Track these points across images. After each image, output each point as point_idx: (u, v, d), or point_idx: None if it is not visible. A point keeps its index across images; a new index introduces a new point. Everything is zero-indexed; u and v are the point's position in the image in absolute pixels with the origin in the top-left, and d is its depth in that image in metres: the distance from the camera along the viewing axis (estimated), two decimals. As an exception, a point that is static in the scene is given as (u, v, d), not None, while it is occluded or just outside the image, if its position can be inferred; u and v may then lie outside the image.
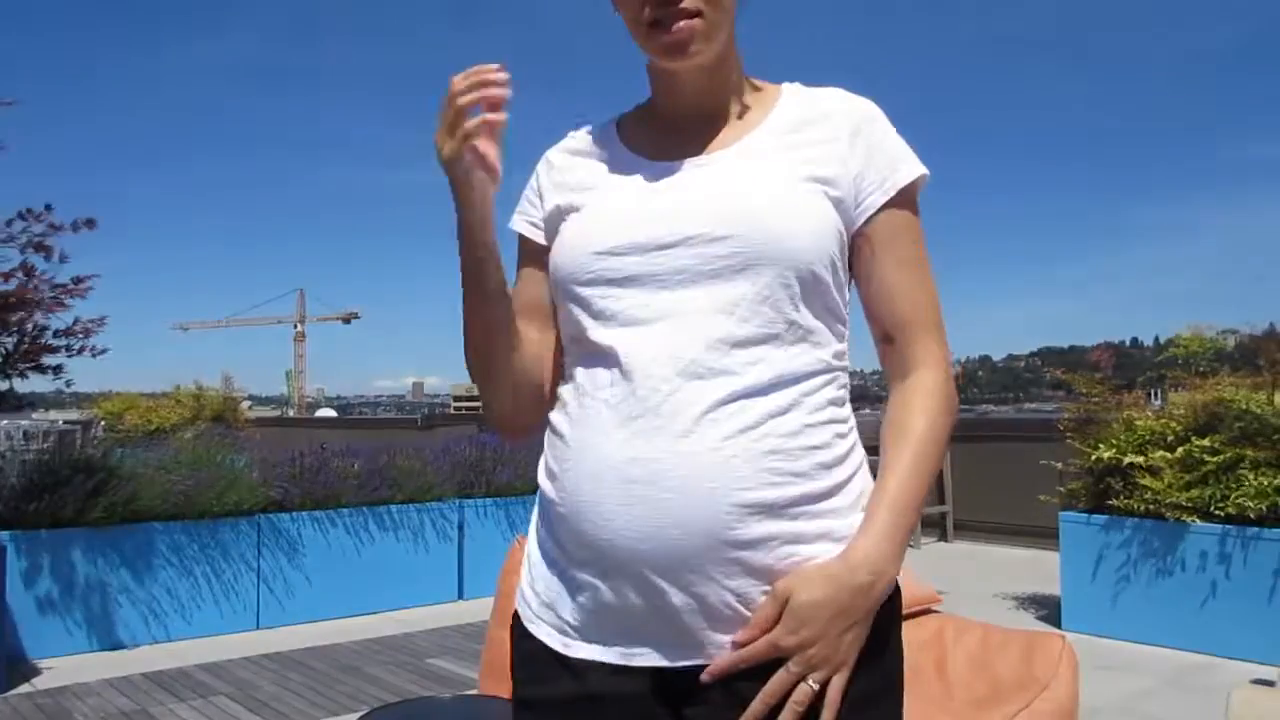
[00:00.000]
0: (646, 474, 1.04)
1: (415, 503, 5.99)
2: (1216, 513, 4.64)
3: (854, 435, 1.15)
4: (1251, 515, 4.53)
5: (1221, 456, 4.70)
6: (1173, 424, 5.01)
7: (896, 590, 1.10)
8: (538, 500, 1.20)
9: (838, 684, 1.03)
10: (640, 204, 1.15)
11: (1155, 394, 6.16)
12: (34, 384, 5.11)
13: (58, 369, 4.95)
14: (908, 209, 1.18)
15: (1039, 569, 6.42)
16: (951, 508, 8.26)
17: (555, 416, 1.18)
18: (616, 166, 1.21)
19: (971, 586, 6.15)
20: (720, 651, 1.05)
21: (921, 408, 1.15)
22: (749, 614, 1.04)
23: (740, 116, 1.20)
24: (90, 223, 4.83)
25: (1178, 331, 5.82)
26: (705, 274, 1.08)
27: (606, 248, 1.12)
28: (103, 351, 5.06)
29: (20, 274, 4.68)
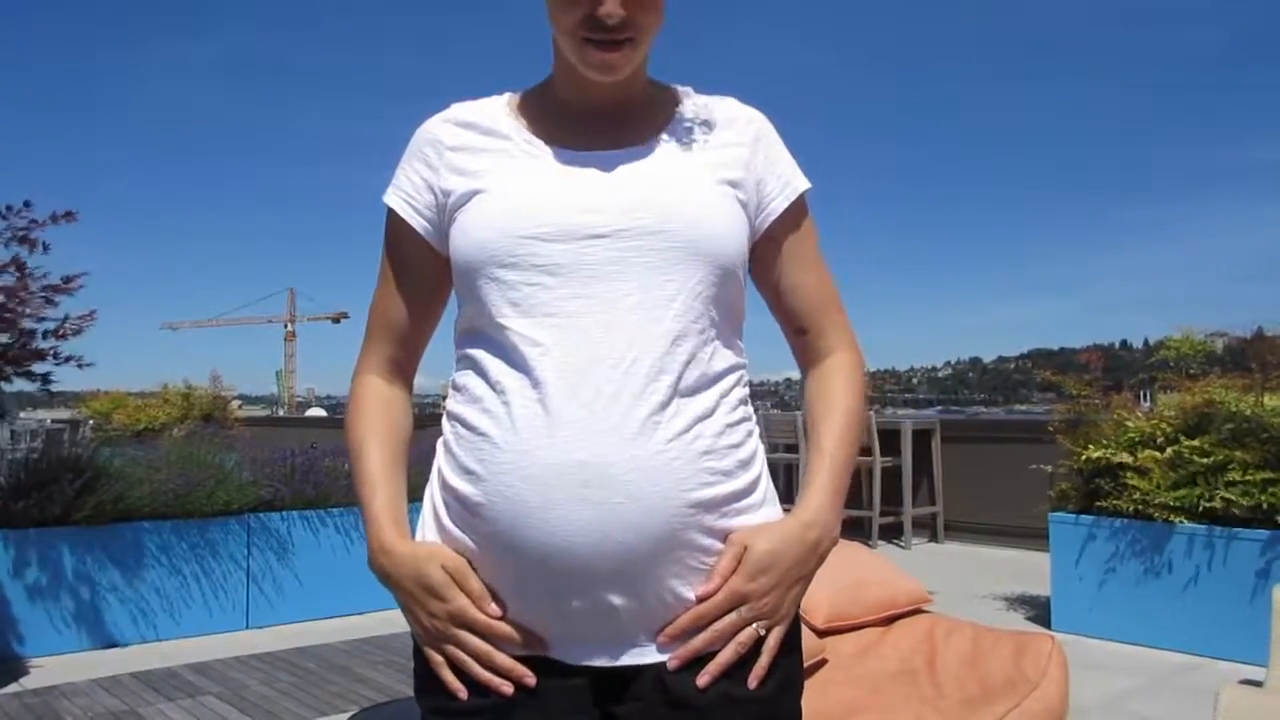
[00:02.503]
0: (598, 478, 1.04)
1: (408, 502, 5.97)
2: (1204, 510, 4.66)
3: (757, 431, 1.19)
4: (1237, 513, 4.55)
5: (1211, 458, 4.72)
6: (1163, 425, 5.03)
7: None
8: (438, 500, 1.16)
9: (778, 634, 1.10)
10: (566, 191, 1.12)
11: (1145, 395, 6.18)
12: (22, 384, 5.08)
13: (46, 376, 4.92)
14: (806, 213, 1.26)
15: (1029, 570, 6.44)
16: (942, 509, 8.28)
17: (468, 411, 1.12)
18: (524, 151, 1.17)
19: (962, 587, 6.17)
20: (656, 646, 1.09)
21: (844, 386, 1.23)
22: (683, 608, 1.08)
23: (646, 114, 1.22)
24: (69, 215, 4.78)
25: (1168, 334, 5.84)
26: (639, 266, 1.09)
27: (533, 232, 1.09)
28: (89, 364, 5.03)
29: (13, 268, 4.65)
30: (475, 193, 1.15)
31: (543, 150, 1.17)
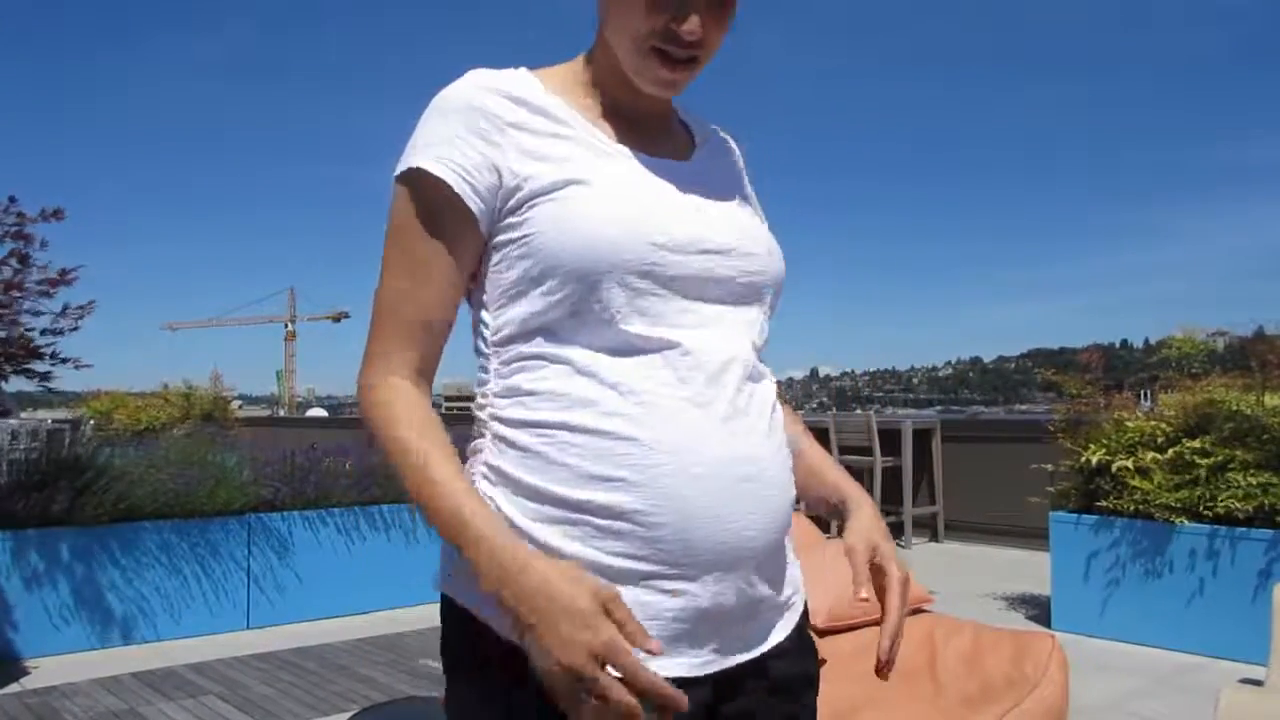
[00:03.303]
0: (755, 472, 1.06)
1: (406, 502, 5.98)
2: (1205, 513, 4.66)
3: None
4: (1239, 516, 4.55)
5: (1212, 458, 4.72)
6: (1163, 425, 5.03)
7: None
8: (534, 522, 1.01)
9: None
10: (673, 197, 1.10)
11: (1145, 395, 6.18)
12: (21, 383, 5.09)
13: (45, 375, 4.92)
14: None
15: (1029, 569, 6.45)
16: (942, 508, 8.28)
17: (580, 416, 1.01)
18: (599, 144, 1.10)
19: (962, 586, 6.16)
20: (768, 637, 1.12)
21: (788, 408, 1.26)
22: (783, 600, 1.14)
23: (672, 121, 1.23)
24: (58, 213, 4.78)
25: (1170, 333, 5.84)
26: (739, 286, 1.12)
27: (660, 239, 1.04)
28: (87, 365, 5.04)
29: (14, 261, 4.65)
30: (570, 182, 1.04)
31: (615, 149, 1.11)
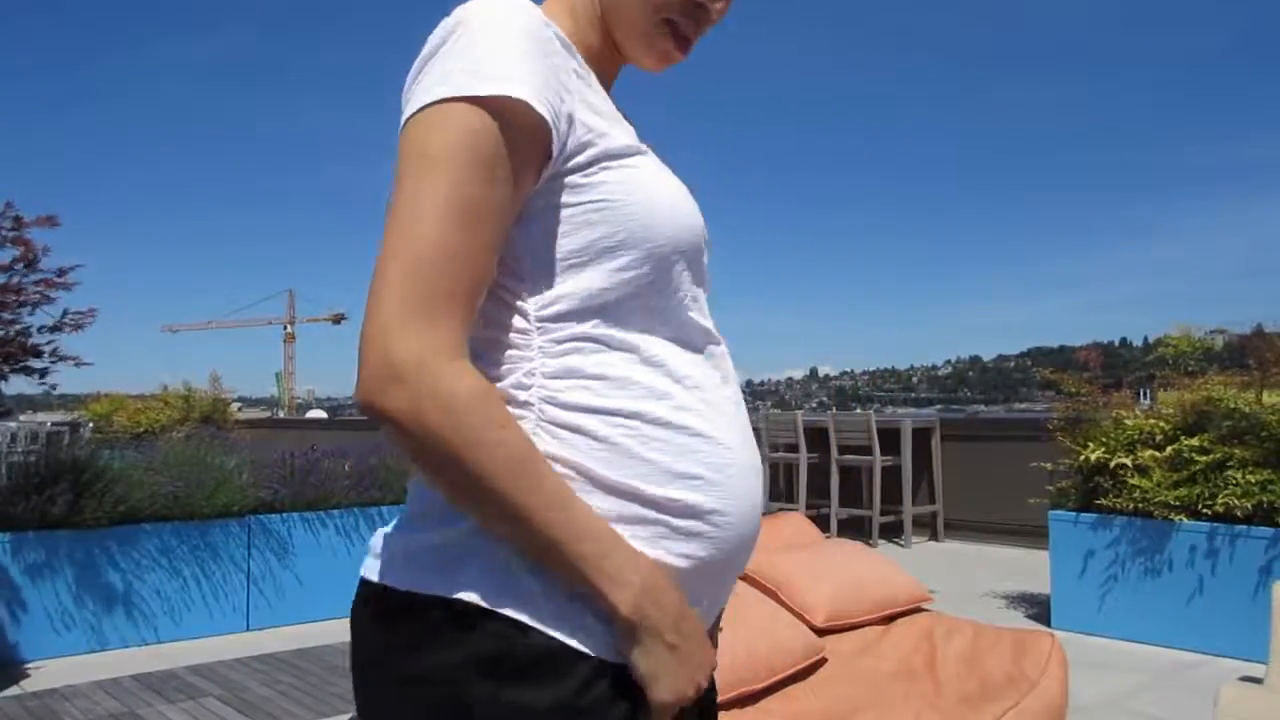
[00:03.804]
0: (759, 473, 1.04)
1: (405, 504, 5.97)
2: (1204, 511, 4.67)
3: None
4: (1239, 514, 4.55)
5: (1210, 456, 4.72)
6: (1161, 423, 5.03)
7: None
8: (649, 517, 0.91)
9: None
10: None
11: (1144, 393, 6.19)
12: (20, 386, 5.09)
13: (44, 372, 4.92)
14: None
15: (1028, 568, 6.45)
16: (942, 507, 8.28)
17: (653, 407, 0.92)
18: (617, 119, 1.00)
19: (962, 585, 6.17)
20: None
21: None
22: None
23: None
24: (51, 219, 4.77)
25: (1167, 331, 5.84)
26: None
27: (700, 230, 1.01)
28: (88, 364, 5.03)
29: (21, 265, 4.64)
30: (636, 151, 0.96)
31: (626, 124, 1.02)
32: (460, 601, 0.88)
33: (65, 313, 4.85)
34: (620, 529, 0.89)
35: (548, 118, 0.87)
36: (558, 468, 0.89)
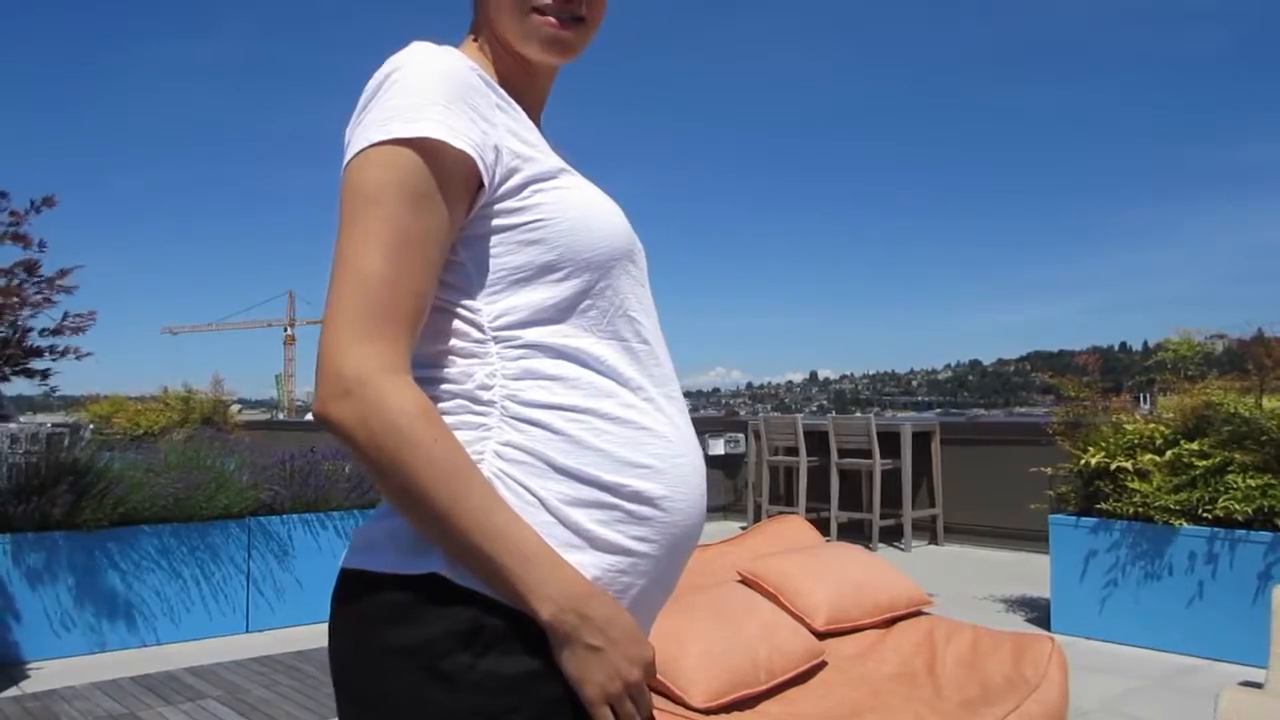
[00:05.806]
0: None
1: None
2: (1204, 515, 4.67)
3: None
4: (1238, 519, 4.55)
5: (1210, 460, 4.72)
6: (1161, 427, 5.04)
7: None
8: (569, 509, 0.99)
9: None
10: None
11: (1144, 398, 6.19)
12: (21, 387, 5.09)
13: (45, 373, 4.92)
14: None
15: (1029, 571, 6.45)
16: (941, 511, 8.28)
17: (603, 404, 1.02)
18: (543, 145, 1.08)
19: (962, 589, 6.17)
20: None
21: None
22: None
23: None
24: (49, 200, 4.75)
25: (1167, 336, 5.84)
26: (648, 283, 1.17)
27: (631, 238, 1.12)
28: (87, 354, 5.03)
29: (21, 271, 4.64)
30: (562, 171, 1.06)
31: (548, 147, 1.10)
32: (436, 577, 0.95)
33: (65, 315, 4.85)
34: (584, 512, 0.99)
35: (470, 152, 0.97)
36: (522, 455, 0.99)
